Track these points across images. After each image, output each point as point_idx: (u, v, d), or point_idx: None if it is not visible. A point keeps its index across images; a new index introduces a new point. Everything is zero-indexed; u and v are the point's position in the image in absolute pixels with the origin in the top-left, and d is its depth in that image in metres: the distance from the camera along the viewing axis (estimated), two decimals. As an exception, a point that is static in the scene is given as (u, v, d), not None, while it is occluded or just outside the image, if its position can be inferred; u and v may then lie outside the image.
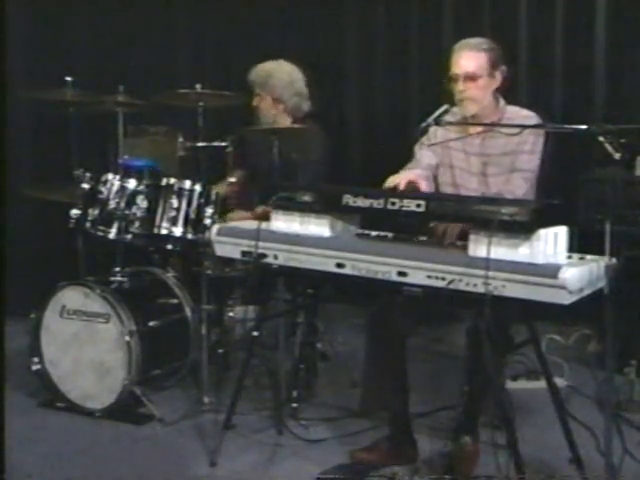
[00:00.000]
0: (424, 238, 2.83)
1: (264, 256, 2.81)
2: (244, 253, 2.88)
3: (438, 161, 3.14)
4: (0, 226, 2.65)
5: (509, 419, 2.61)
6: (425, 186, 2.92)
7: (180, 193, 3.57)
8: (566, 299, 2.30)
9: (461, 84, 2.98)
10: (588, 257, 2.53)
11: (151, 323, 3.55)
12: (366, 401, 3.09)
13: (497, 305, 2.37)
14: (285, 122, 3.85)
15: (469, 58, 2.98)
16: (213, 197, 3.59)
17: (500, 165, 3.02)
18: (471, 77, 2.97)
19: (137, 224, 3.56)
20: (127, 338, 3.40)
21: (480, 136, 3.06)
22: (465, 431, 2.95)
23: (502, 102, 3.08)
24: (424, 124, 2.84)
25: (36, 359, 3.59)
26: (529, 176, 2.99)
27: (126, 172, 3.65)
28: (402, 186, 2.85)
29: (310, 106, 3.94)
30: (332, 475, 2.92)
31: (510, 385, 3.54)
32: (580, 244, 2.66)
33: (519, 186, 2.97)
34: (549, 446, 2.99)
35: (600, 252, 2.45)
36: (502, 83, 3.05)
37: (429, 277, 2.49)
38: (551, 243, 2.42)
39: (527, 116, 3.02)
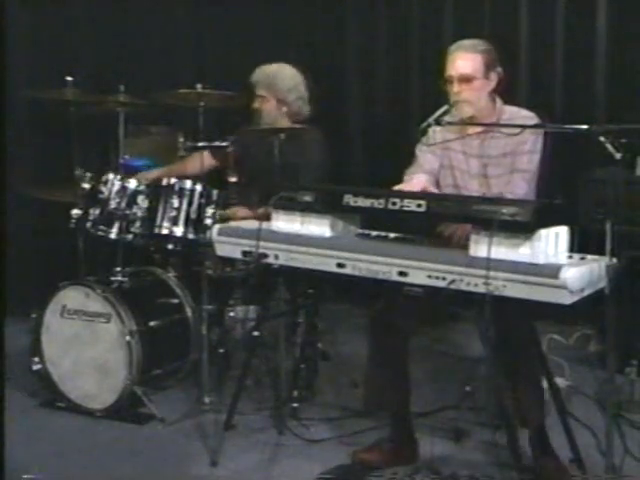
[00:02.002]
0: (425, 238, 2.83)
1: (265, 256, 2.81)
2: (245, 253, 2.88)
3: (439, 163, 3.13)
4: (0, 226, 2.65)
5: (510, 419, 2.62)
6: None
7: (181, 193, 3.57)
8: (567, 299, 2.30)
9: (456, 86, 2.96)
10: (589, 257, 2.53)
11: (152, 323, 3.55)
12: (368, 401, 3.09)
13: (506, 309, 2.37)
14: (285, 125, 3.85)
15: (464, 60, 2.96)
16: (214, 197, 3.59)
17: (501, 166, 3.01)
18: (466, 79, 2.95)
19: (138, 224, 3.57)
20: (128, 338, 3.40)
21: (479, 137, 3.04)
22: (542, 451, 2.89)
23: (499, 102, 3.06)
24: (424, 124, 2.84)
25: (37, 359, 3.59)
26: (529, 177, 2.98)
27: (127, 172, 3.65)
28: None
29: (310, 110, 3.95)
30: (333, 475, 2.92)
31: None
32: (581, 244, 2.66)
33: (520, 187, 2.96)
34: (550, 446, 2.99)
35: (601, 252, 2.44)
36: (499, 84, 3.03)
37: (430, 277, 2.49)
38: (552, 243, 2.42)
39: (526, 116, 3.00)
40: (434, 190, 2.90)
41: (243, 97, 3.90)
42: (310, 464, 3.02)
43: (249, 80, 3.92)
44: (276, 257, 2.80)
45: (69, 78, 3.80)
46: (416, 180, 2.93)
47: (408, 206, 2.55)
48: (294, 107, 3.89)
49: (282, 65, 3.93)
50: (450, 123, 2.94)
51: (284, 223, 2.85)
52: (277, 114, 3.88)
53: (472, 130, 3.05)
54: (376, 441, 3.10)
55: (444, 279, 2.46)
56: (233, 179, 3.77)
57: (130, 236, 3.59)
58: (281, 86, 3.86)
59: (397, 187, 2.89)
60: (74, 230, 3.70)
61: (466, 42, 3.02)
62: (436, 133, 3.06)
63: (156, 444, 3.24)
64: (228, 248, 2.95)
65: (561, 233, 2.47)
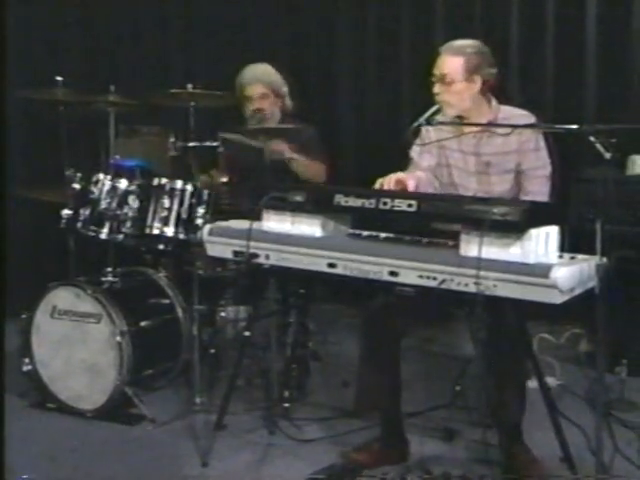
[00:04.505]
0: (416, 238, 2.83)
1: (256, 256, 2.81)
2: (236, 253, 2.87)
3: (436, 161, 3.13)
4: (0, 228, 2.64)
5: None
6: (413, 187, 2.89)
7: (172, 193, 3.56)
8: (557, 298, 2.30)
9: (437, 86, 2.97)
10: (579, 257, 2.54)
11: (142, 323, 3.54)
12: (359, 401, 3.08)
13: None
14: (277, 119, 3.88)
15: (446, 62, 2.96)
16: (205, 197, 3.59)
17: (500, 165, 3.01)
18: (445, 81, 2.95)
19: (128, 224, 3.56)
20: (118, 338, 3.39)
21: (476, 136, 3.04)
22: (513, 441, 2.91)
23: (494, 102, 3.07)
24: (416, 124, 2.84)
25: (27, 360, 3.58)
26: (544, 173, 2.98)
27: (117, 172, 3.64)
28: (392, 186, 2.84)
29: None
30: (324, 475, 2.92)
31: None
32: (571, 244, 2.66)
33: (542, 184, 2.97)
34: (540, 445, 3.00)
35: (591, 252, 2.45)
36: (490, 84, 3.03)
37: (420, 277, 2.49)
38: (542, 243, 2.43)
39: (522, 115, 3.01)
40: (411, 182, 2.87)
41: (234, 97, 3.90)
42: (301, 464, 3.02)
43: (240, 82, 3.91)
44: (267, 257, 2.80)
45: (59, 78, 3.79)
46: (410, 175, 2.91)
47: (399, 206, 2.55)
48: (287, 100, 3.95)
49: (262, 63, 3.97)
50: (441, 123, 2.94)
51: (275, 223, 2.84)
52: (276, 110, 3.92)
53: (468, 129, 3.06)
54: (367, 441, 3.10)
55: (435, 279, 2.46)
56: (224, 179, 3.77)
57: (121, 236, 3.58)
58: (276, 80, 3.92)
59: (378, 183, 2.88)
60: (64, 230, 3.69)
61: (455, 43, 3.01)
62: (429, 132, 3.07)
63: (147, 445, 3.24)
64: (219, 248, 2.95)
65: (551, 233, 2.47)
